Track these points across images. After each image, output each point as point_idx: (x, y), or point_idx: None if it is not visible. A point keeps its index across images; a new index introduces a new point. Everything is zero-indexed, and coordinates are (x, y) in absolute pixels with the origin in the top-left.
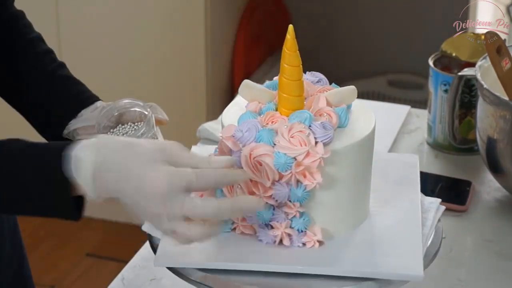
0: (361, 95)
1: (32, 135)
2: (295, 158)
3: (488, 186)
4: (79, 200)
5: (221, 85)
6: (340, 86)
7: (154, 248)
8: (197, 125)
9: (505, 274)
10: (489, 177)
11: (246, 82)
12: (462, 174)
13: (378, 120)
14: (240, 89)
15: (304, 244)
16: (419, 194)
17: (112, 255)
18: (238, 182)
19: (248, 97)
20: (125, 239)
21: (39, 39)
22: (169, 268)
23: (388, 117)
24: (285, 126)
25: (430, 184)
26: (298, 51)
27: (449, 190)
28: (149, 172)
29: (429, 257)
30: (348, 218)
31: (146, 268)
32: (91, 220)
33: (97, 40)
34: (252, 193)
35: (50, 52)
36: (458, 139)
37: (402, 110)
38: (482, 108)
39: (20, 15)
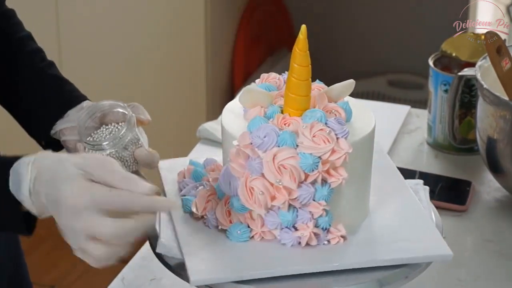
0: (361, 95)
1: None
2: (319, 157)
3: (488, 186)
4: (31, 217)
5: (221, 85)
6: None
7: (154, 248)
8: (197, 125)
9: (505, 274)
10: (489, 177)
11: (248, 88)
12: (462, 174)
13: (378, 120)
14: (240, 96)
15: (328, 241)
16: (403, 179)
17: None
18: (154, 210)
19: (249, 103)
20: None
21: (29, 37)
22: (168, 268)
23: (388, 117)
24: (304, 126)
25: (430, 184)
26: (308, 51)
27: (449, 190)
28: (65, 186)
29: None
30: (357, 213)
31: (146, 268)
32: None
33: (97, 40)
34: (274, 198)
35: (39, 51)
36: (458, 139)
37: (402, 110)
38: (482, 108)
39: (11, 13)
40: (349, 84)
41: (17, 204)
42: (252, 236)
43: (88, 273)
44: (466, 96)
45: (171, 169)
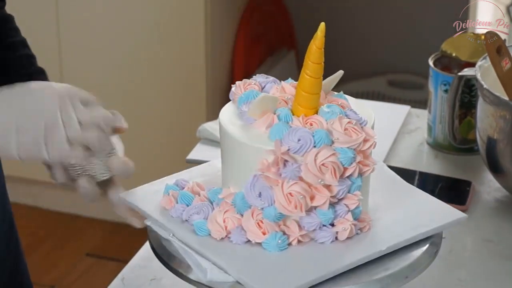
0: (361, 95)
1: None
2: (355, 149)
3: (488, 186)
4: None
5: (221, 85)
6: (340, 87)
7: (154, 248)
8: (197, 125)
9: (505, 274)
10: (489, 177)
11: (264, 96)
12: (462, 174)
13: (378, 120)
14: (251, 110)
15: (360, 230)
16: (381, 162)
17: (112, 255)
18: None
19: (258, 112)
20: (125, 239)
21: (23, 43)
22: (168, 268)
23: (388, 117)
24: (332, 122)
25: (430, 184)
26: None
27: (449, 190)
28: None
29: (429, 257)
30: (365, 200)
31: (146, 268)
32: (91, 220)
33: (97, 40)
34: (314, 198)
35: (31, 56)
36: (458, 139)
37: (402, 110)
38: (482, 108)
39: (9, 19)
40: (338, 75)
41: None
42: (290, 243)
43: (88, 273)
44: (466, 96)
45: (142, 198)
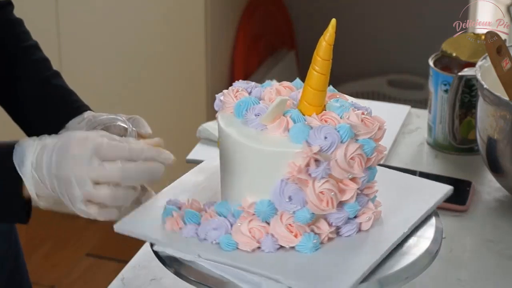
0: (361, 95)
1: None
2: (373, 138)
3: (488, 186)
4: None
5: (221, 85)
6: (340, 87)
7: (154, 248)
8: (197, 125)
9: (505, 274)
10: (489, 177)
11: (282, 99)
12: (462, 174)
13: None
14: (268, 116)
15: (375, 216)
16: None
17: (112, 255)
18: (158, 159)
19: (272, 117)
20: (125, 239)
21: (36, 47)
22: (168, 268)
23: (388, 117)
24: (347, 116)
25: None
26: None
27: None
28: (72, 139)
29: (429, 257)
30: None
31: (146, 268)
32: (91, 220)
33: (97, 40)
34: (343, 191)
35: (45, 60)
36: (458, 139)
37: (402, 110)
38: (482, 108)
39: (19, 22)
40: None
41: (19, 183)
42: (321, 242)
43: (88, 273)
44: (466, 96)
45: (140, 226)
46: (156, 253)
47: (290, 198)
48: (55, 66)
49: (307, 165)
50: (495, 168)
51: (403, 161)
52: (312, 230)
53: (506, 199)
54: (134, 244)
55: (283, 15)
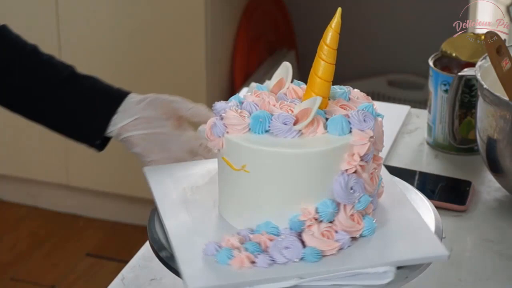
0: None
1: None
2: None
3: (488, 186)
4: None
5: (221, 85)
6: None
7: (155, 249)
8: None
9: (505, 274)
10: (489, 177)
11: (318, 97)
12: (462, 174)
13: None
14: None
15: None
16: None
17: (112, 255)
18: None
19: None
20: (125, 239)
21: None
22: (168, 268)
23: (388, 117)
24: (355, 97)
25: (430, 184)
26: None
27: (449, 190)
28: None
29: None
30: None
31: (146, 268)
32: (91, 220)
33: (97, 40)
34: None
35: (51, 58)
36: (458, 139)
37: (402, 110)
38: (482, 108)
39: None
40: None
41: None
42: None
43: (88, 273)
44: (466, 96)
45: (199, 274)
46: (156, 253)
47: (352, 188)
48: None
49: (368, 150)
50: (495, 168)
51: (403, 161)
52: (366, 212)
53: (506, 199)
54: (134, 244)
55: (283, 15)
